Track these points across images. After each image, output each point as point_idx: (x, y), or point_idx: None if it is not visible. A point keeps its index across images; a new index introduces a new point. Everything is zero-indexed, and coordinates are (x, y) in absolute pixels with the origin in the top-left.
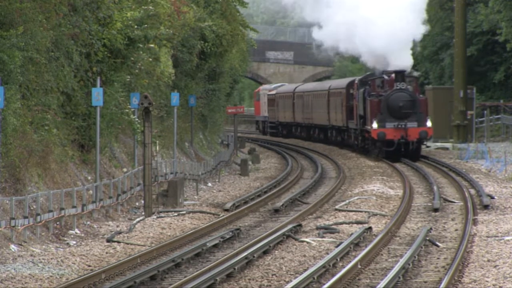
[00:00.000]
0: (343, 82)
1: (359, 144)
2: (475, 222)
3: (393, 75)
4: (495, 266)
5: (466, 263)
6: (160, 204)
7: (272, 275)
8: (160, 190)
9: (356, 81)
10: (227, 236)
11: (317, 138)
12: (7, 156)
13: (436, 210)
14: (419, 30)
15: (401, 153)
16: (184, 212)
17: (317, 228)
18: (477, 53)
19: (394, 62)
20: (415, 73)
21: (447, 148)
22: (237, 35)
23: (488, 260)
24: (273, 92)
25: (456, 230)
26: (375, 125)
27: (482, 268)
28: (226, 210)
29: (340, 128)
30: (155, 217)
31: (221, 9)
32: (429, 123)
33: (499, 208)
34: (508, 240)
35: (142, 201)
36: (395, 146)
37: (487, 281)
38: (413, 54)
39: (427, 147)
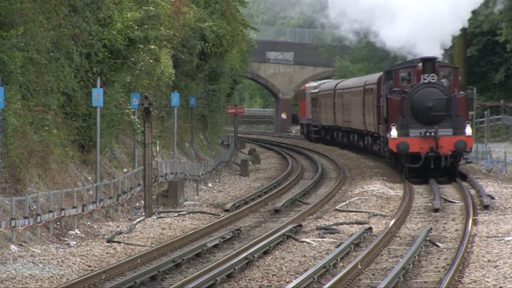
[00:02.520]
0: (376, 76)
1: (387, 156)
2: (475, 223)
3: (419, 64)
4: (495, 267)
5: (466, 264)
6: (160, 205)
7: (273, 275)
8: (160, 191)
9: (383, 74)
10: (228, 237)
11: (356, 146)
12: (7, 157)
13: (436, 210)
14: None
15: (430, 170)
16: (184, 212)
17: (318, 229)
18: (477, 53)
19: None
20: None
21: None
22: (237, 35)
23: (489, 261)
24: (316, 90)
25: (457, 230)
26: (394, 132)
27: (483, 269)
28: (226, 210)
29: (373, 134)
30: (155, 217)
31: (221, 9)
32: (469, 130)
33: (500, 209)
34: (508, 241)
35: (142, 202)
36: (422, 161)
37: (487, 281)
38: None
39: (468, 162)
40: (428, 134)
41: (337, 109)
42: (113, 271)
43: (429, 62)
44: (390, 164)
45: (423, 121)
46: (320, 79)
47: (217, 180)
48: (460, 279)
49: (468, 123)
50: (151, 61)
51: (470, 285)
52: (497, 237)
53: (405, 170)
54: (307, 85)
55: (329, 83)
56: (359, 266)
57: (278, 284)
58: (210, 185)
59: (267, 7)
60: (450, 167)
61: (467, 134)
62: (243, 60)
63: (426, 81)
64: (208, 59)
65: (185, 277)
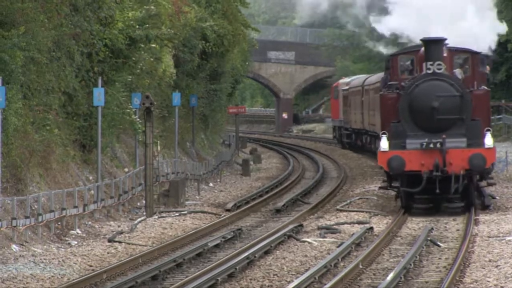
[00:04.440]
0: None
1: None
2: (476, 222)
3: (422, 49)
4: (496, 266)
5: (467, 263)
6: (162, 204)
7: (274, 275)
8: (162, 190)
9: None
10: (229, 236)
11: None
12: (8, 156)
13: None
14: None
15: (437, 196)
16: (186, 212)
17: (319, 228)
18: None
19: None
20: None
21: None
22: (238, 35)
23: (490, 260)
24: (347, 87)
25: (458, 230)
26: (384, 144)
27: (484, 268)
28: (228, 210)
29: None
30: (156, 217)
31: (223, 9)
32: (489, 141)
33: (501, 208)
34: (509, 240)
35: (144, 201)
36: (424, 184)
37: (488, 281)
38: None
39: (490, 184)
40: (432, 145)
41: (364, 109)
42: (114, 271)
43: (434, 45)
44: (384, 187)
45: (426, 128)
46: (321, 79)
47: (218, 180)
48: (461, 279)
49: (488, 130)
50: (152, 60)
51: (471, 285)
52: (498, 237)
53: (401, 195)
54: (340, 80)
55: (358, 79)
56: (360, 266)
57: (279, 284)
58: (211, 184)
59: (268, 6)
60: (464, 192)
61: (486, 146)
62: (244, 59)
63: (430, 71)
64: (209, 58)
65: (186, 277)
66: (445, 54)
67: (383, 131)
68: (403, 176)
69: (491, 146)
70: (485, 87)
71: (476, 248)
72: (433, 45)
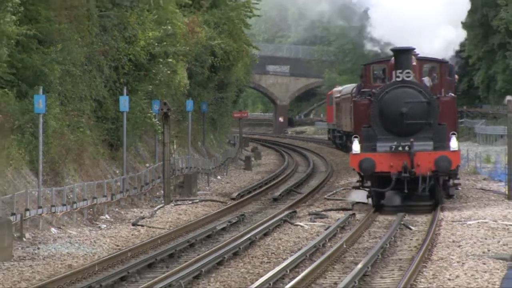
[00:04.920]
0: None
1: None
2: (442, 209)
3: (393, 58)
4: (459, 246)
5: (434, 244)
6: (177, 194)
7: (271, 253)
8: (177, 182)
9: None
10: (234, 221)
11: None
12: (48, 154)
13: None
14: None
15: (405, 195)
16: (197, 200)
17: (309, 214)
18: None
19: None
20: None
21: None
22: (242, 51)
23: (453, 241)
24: (339, 94)
25: (426, 215)
26: (356, 147)
27: (448, 248)
28: (233, 199)
29: None
30: (172, 204)
31: (229, 30)
32: (454, 144)
33: (463, 198)
34: (470, 224)
35: (162, 191)
36: (393, 184)
37: (452, 258)
38: None
39: (456, 184)
40: (400, 148)
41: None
42: (137, 250)
43: (403, 54)
44: (356, 187)
45: (395, 132)
46: (311, 88)
47: (225, 173)
48: (429, 257)
49: (454, 134)
50: (169, 73)
51: (438, 262)
52: (461, 221)
53: (372, 195)
54: (334, 89)
55: (348, 88)
56: (344, 246)
57: (276, 261)
58: (219, 177)
59: (267, 27)
60: (431, 191)
61: (451, 149)
62: (246, 72)
63: (399, 79)
64: (217, 71)
65: (198, 255)
66: (414, 63)
67: (355, 135)
68: (374, 177)
69: (456, 149)
70: (452, 94)
71: (442, 230)
72: (402, 54)
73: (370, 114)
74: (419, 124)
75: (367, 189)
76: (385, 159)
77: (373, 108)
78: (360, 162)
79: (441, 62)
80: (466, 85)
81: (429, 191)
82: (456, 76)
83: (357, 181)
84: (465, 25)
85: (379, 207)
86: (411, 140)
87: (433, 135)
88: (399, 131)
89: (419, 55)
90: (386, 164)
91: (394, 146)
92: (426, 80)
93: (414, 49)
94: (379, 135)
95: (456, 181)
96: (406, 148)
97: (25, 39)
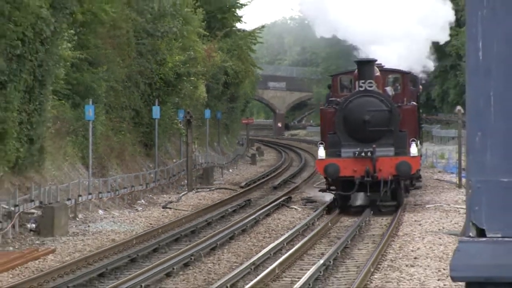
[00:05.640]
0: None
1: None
2: (407, 196)
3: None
4: (419, 224)
5: (400, 222)
6: (198, 183)
7: (272, 230)
8: (198, 174)
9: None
10: (242, 204)
11: None
12: (96, 152)
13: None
14: None
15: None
16: (214, 188)
17: (302, 199)
18: None
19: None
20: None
21: None
22: (248, 71)
23: (415, 221)
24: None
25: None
26: (321, 152)
27: (411, 226)
28: (241, 187)
29: None
30: (194, 192)
31: (238, 54)
32: (414, 150)
33: (423, 187)
34: (428, 207)
35: (186, 181)
36: (356, 188)
37: (414, 234)
38: None
39: (414, 187)
40: (363, 154)
41: None
42: (166, 227)
43: (366, 65)
44: (323, 190)
45: (358, 138)
46: (303, 100)
47: (235, 167)
48: (396, 233)
49: (413, 140)
50: (191, 88)
51: (403, 237)
52: (421, 205)
53: (337, 198)
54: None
55: None
56: (329, 224)
57: (276, 236)
58: (230, 170)
59: (268, 52)
60: (392, 194)
61: (411, 155)
62: (252, 87)
63: (362, 88)
64: (229, 87)
65: (214, 231)
66: (378, 74)
67: (320, 141)
68: (338, 181)
69: (416, 154)
70: (414, 103)
71: (406, 212)
72: (365, 65)
73: (335, 122)
74: (381, 131)
75: (333, 192)
76: (349, 164)
77: (338, 116)
78: (325, 167)
79: (403, 73)
80: (425, 97)
81: (391, 194)
82: (420, 87)
83: (325, 185)
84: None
85: (344, 208)
86: (373, 146)
87: (394, 141)
88: (362, 137)
89: (384, 67)
90: (349, 169)
91: (357, 152)
92: (389, 90)
93: (375, 60)
94: (343, 141)
95: (417, 184)
96: (369, 154)
97: (78, 62)
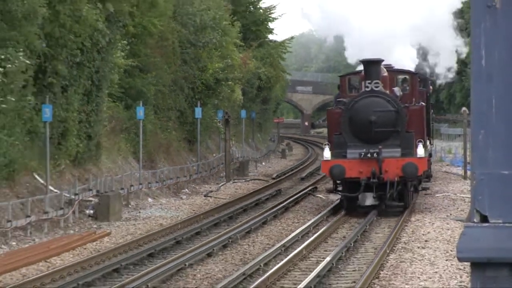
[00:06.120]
0: None
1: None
2: (416, 197)
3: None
4: (430, 211)
5: (413, 209)
6: (235, 175)
7: (300, 216)
8: (235, 167)
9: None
10: (273, 193)
11: None
12: (146, 147)
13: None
14: None
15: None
16: (249, 179)
17: (325, 189)
18: None
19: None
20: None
21: None
22: (279, 77)
23: (426, 208)
24: None
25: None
26: (327, 153)
27: (422, 213)
28: (273, 178)
29: None
30: (231, 182)
31: (270, 62)
32: (421, 151)
33: (433, 178)
34: (437, 196)
35: (224, 173)
36: (362, 189)
37: (425, 220)
38: None
39: (423, 188)
40: (369, 155)
41: None
42: (207, 213)
43: (372, 65)
44: (330, 191)
45: (364, 139)
46: (327, 102)
47: (267, 161)
48: (409, 219)
49: (420, 141)
50: (229, 91)
51: (415, 222)
52: (431, 194)
53: (343, 199)
54: None
55: None
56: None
57: (303, 221)
58: (263, 163)
59: (296, 60)
60: (399, 195)
61: (418, 156)
62: (282, 91)
63: (368, 89)
64: (262, 90)
65: (249, 217)
66: (386, 74)
67: (326, 142)
68: (344, 182)
69: (423, 155)
70: (423, 103)
71: (417, 201)
72: (371, 65)
73: (341, 122)
74: (387, 131)
75: (340, 193)
76: (355, 166)
77: (344, 116)
78: (330, 168)
79: (412, 74)
80: (434, 99)
81: (398, 195)
82: (431, 87)
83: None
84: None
85: (350, 209)
86: (380, 147)
87: (400, 142)
88: (368, 138)
89: (394, 68)
90: (355, 170)
91: (363, 153)
92: (397, 90)
93: (382, 60)
94: (349, 142)
95: (424, 186)
96: (375, 155)
97: (130, 68)
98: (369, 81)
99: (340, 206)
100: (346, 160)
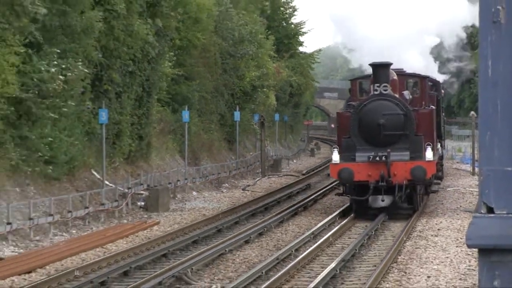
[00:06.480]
0: None
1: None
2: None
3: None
4: (442, 204)
5: (427, 203)
6: (269, 171)
7: (327, 207)
8: (269, 164)
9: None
10: (304, 187)
11: None
12: (190, 146)
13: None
14: None
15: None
16: (281, 175)
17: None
18: None
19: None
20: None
21: None
22: (308, 84)
23: (438, 201)
24: None
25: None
26: (335, 156)
27: (435, 205)
28: (303, 174)
29: None
30: (267, 177)
31: (300, 71)
32: (429, 154)
33: (444, 174)
34: (449, 190)
35: (260, 169)
36: (371, 193)
37: (438, 211)
38: None
39: (433, 191)
40: (377, 158)
41: None
42: (245, 205)
43: (381, 69)
44: (340, 194)
45: (373, 143)
46: None
47: (298, 158)
48: (424, 210)
49: (429, 145)
50: (264, 97)
51: (429, 213)
52: (443, 188)
53: (352, 203)
54: None
55: None
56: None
57: (330, 212)
58: (294, 161)
59: (324, 69)
60: (408, 199)
61: (427, 159)
62: (311, 96)
63: (377, 92)
64: (293, 96)
65: (282, 208)
66: (395, 77)
67: (335, 146)
68: (353, 185)
69: (431, 159)
70: (432, 107)
71: (430, 194)
72: (380, 68)
73: (350, 126)
74: (396, 135)
75: (349, 196)
76: (363, 169)
77: (352, 119)
78: (339, 171)
79: (422, 77)
80: (446, 104)
81: (407, 198)
82: (443, 91)
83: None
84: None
85: (359, 213)
86: (388, 150)
87: (409, 145)
88: (377, 141)
89: (405, 72)
90: (364, 173)
91: (371, 156)
92: (406, 94)
93: (391, 64)
94: (358, 145)
95: (433, 189)
96: (383, 158)
97: (177, 77)
98: (378, 85)
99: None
100: (354, 163)
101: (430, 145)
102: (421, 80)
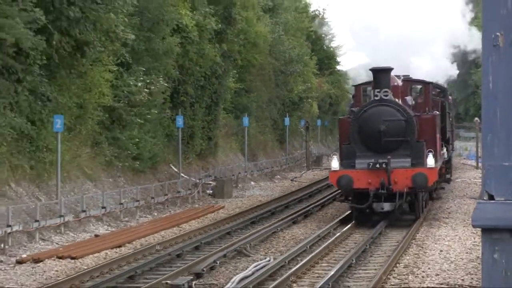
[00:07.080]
0: None
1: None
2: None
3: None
4: (451, 192)
5: (439, 192)
6: (313, 165)
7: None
8: (312, 160)
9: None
10: None
11: None
12: (249, 146)
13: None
14: None
15: (383, 212)
16: (323, 168)
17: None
18: None
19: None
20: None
21: None
22: (343, 95)
23: (449, 189)
24: None
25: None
26: (335, 163)
27: (446, 192)
28: None
29: None
30: (311, 170)
31: (338, 85)
32: (431, 161)
33: (452, 167)
34: (457, 181)
35: (305, 164)
36: (371, 200)
37: (448, 197)
38: None
39: (436, 198)
40: (378, 165)
41: None
42: (293, 193)
43: (381, 74)
44: (341, 200)
45: (373, 149)
46: None
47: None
48: (437, 197)
49: (430, 151)
50: (309, 106)
51: (441, 200)
52: (452, 179)
53: (352, 210)
54: None
55: None
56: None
57: (343, 210)
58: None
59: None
60: (410, 207)
61: (428, 166)
62: (346, 105)
63: (377, 97)
64: (332, 105)
65: (323, 195)
66: (397, 83)
67: (334, 152)
68: (352, 193)
69: (433, 166)
70: (436, 112)
71: (442, 184)
72: (380, 73)
73: (350, 132)
74: (396, 141)
75: (349, 203)
76: (363, 176)
77: (352, 125)
78: (338, 178)
79: (425, 83)
80: (454, 111)
81: (409, 206)
82: (450, 97)
83: (341, 195)
84: (451, 84)
85: (360, 220)
86: (388, 157)
87: (410, 152)
88: (377, 148)
89: (409, 77)
90: (364, 181)
91: (371, 163)
92: (409, 99)
93: (392, 69)
94: (358, 152)
95: (435, 195)
96: (383, 165)
97: (239, 90)
98: (378, 90)
99: None
100: (354, 170)
101: (431, 151)
102: (424, 85)
